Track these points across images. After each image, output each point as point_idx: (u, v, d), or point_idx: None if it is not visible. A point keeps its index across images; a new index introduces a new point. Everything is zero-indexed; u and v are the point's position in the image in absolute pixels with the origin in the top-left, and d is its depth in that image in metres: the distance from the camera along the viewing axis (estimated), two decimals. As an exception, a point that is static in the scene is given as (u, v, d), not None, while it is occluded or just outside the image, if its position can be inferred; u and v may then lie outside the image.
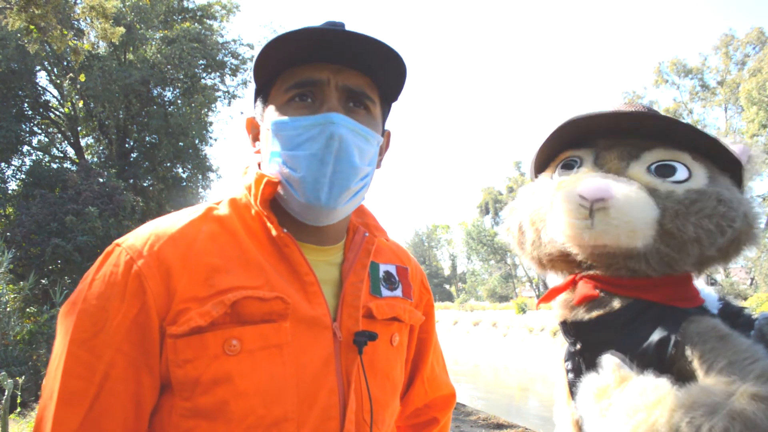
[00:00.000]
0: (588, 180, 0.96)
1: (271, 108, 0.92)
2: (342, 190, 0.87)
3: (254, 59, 0.91)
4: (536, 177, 1.17)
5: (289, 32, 0.86)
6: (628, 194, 0.93)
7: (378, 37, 0.87)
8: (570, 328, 1.04)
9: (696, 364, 0.87)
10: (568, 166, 1.09)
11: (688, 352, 0.88)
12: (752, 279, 29.55)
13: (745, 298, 21.19)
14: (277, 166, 0.89)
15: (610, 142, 1.05)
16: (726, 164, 1.03)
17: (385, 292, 1.00)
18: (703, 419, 0.76)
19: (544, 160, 1.15)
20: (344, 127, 0.86)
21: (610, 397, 0.88)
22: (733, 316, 1.05)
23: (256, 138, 0.99)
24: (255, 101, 0.99)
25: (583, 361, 1.02)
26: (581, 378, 0.97)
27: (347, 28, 0.89)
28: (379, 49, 0.88)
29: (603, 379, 0.91)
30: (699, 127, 1.17)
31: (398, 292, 1.02)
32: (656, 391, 0.83)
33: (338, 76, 0.89)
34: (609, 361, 0.92)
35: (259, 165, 0.98)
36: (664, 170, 0.99)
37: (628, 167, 1.01)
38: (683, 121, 1.02)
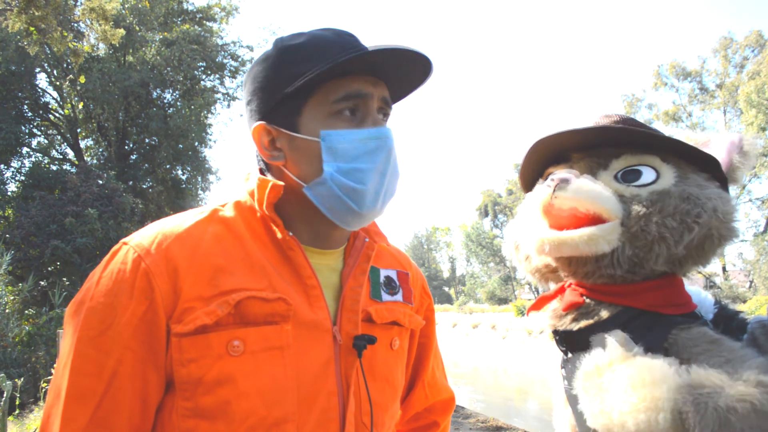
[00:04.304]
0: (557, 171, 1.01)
1: (313, 118, 0.89)
2: (391, 197, 0.94)
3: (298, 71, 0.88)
4: (526, 195, 1.20)
5: (366, 52, 0.86)
6: (587, 181, 0.97)
7: (419, 50, 0.89)
8: (561, 338, 1.05)
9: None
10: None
11: (681, 356, 0.89)
12: (751, 282, 29.50)
13: (744, 301, 21.16)
14: (331, 177, 0.88)
15: (582, 155, 1.08)
16: (707, 163, 1.02)
17: (386, 297, 1.01)
18: (708, 399, 0.76)
19: (535, 178, 1.17)
20: (393, 140, 0.92)
21: (614, 371, 0.87)
22: (728, 319, 1.05)
23: (272, 146, 0.93)
24: (271, 107, 0.92)
25: (576, 369, 1.02)
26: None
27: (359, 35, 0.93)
28: (416, 61, 0.91)
29: (608, 353, 0.90)
30: (697, 129, 1.18)
31: (399, 297, 1.03)
32: (662, 369, 0.82)
33: (377, 89, 0.92)
34: (616, 336, 0.91)
35: (261, 171, 0.98)
36: (630, 175, 1.00)
37: (596, 177, 1.02)
38: (643, 130, 1.02)
